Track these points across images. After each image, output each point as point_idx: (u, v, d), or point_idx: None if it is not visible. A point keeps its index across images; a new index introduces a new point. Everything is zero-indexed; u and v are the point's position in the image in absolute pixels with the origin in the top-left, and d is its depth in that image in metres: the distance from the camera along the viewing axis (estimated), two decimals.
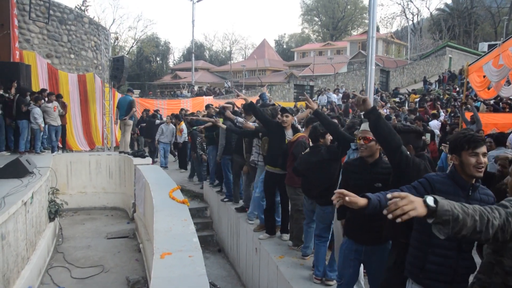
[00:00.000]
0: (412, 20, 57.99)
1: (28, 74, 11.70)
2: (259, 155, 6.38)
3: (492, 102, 13.21)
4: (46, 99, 11.13)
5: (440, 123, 11.68)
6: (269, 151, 5.89)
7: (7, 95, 10.10)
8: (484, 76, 10.48)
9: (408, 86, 32.34)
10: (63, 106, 12.00)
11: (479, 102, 13.94)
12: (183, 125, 12.87)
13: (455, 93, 19.29)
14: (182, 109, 16.44)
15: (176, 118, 13.14)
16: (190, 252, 4.15)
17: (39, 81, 12.73)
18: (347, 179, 3.61)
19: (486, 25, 50.22)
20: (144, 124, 14.46)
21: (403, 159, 3.06)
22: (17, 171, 7.41)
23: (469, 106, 9.98)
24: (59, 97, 11.70)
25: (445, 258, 2.58)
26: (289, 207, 5.84)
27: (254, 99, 23.53)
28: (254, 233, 6.35)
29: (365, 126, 3.49)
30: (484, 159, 2.51)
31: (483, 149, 2.52)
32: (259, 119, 5.85)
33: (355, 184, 3.45)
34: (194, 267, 3.80)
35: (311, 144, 4.97)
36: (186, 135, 12.60)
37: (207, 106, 10.80)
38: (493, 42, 36.10)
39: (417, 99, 19.74)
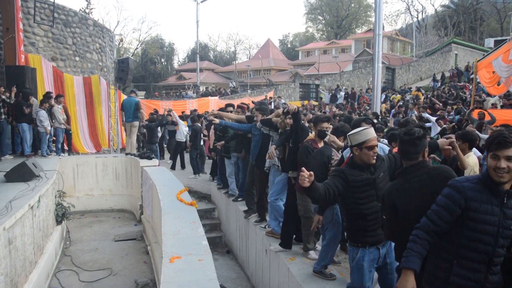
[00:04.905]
0: (417, 17, 57.71)
1: (34, 78, 11.66)
2: (278, 158, 6.08)
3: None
4: (54, 101, 11.11)
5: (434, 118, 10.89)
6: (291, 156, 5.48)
7: (8, 100, 10.04)
8: (493, 72, 10.37)
9: (414, 83, 32.12)
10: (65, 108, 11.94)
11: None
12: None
13: (465, 92, 18.98)
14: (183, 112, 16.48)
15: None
16: (200, 256, 4.08)
17: (45, 84, 12.70)
18: (347, 181, 3.33)
19: (492, 21, 49.86)
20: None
21: None
22: (23, 174, 7.38)
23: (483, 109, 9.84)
24: (59, 96, 11.60)
25: (473, 271, 2.41)
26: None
27: (260, 98, 23.50)
28: (264, 235, 6.25)
29: (369, 132, 3.34)
30: (507, 164, 2.29)
31: (508, 152, 2.29)
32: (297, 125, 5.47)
33: (360, 185, 3.32)
34: (204, 271, 3.73)
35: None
36: None
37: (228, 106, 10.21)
38: (499, 38, 35.86)
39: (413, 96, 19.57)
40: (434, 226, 2.44)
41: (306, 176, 2.86)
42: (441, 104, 13.74)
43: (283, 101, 20.10)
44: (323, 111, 18.18)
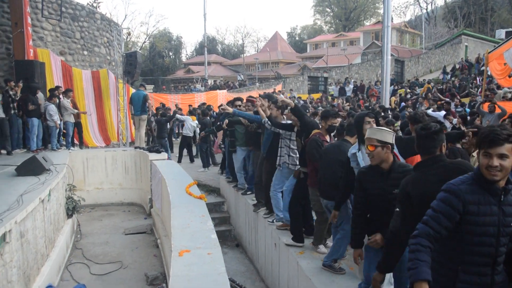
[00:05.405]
0: (426, 9, 57.10)
1: (43, 72, 11.73)
2: (289, 156, 5.94)
3: None
4: (63, 95, 11.15)
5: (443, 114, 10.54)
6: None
7: (14, 96, 9.98)
8: (505, 64, 10.23)
9: (423, 76, 31.78)
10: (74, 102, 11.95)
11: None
12: None
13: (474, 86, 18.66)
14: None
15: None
16: (209, 249, 4.09)
17: (54, 78, 12.77)
18: (363, 189, 3.42)
19: (503, 12, 49.08)
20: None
21: None
22: (34, 168, 7.44)
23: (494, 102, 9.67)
24: (68, 91, 11.62)
25: (479, 275, 2.33)
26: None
27: (268, 91, 23.42)
28: (272, 228, 6.24)
29: (369, 132, 3.38)
30: (499, 162, 2.21)
31: (501, 149, 2.20)
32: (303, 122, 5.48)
33: (372, 193, 3.35)
34: (213, 265, 3.73)
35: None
36: None
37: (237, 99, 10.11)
38: (511, 29, 35.30)
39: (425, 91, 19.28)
40: (434, 233, 2.34)
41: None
42: (447, 99, 13.53)
43: (281, 95, 19.98)
44: (332, 104, 18.10)
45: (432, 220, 2.35)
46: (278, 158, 6.11)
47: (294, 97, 21.50)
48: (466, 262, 2.34)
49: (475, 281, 2.33)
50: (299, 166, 5.77)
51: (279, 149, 6.13)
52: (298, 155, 5.84)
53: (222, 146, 10.53)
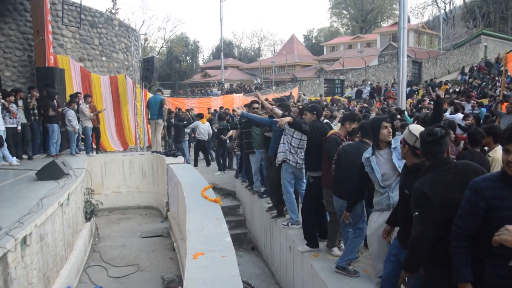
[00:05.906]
0: (444, 9, 56.31)
1: (63, 78, 11.98)
2: (290, 153, 5.97)
3: None
4: (82, 101, 11.35)
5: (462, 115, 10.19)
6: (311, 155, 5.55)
7: (28, 105, 10.01)
8: None
9: (441, 77, 31.35)
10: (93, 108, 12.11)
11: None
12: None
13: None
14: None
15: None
16: (223, 252, 4.12)
17: (73, 84, 13.00)
18: None
19: None
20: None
21: None
22: (53, 173, 7.61)
23: None
24: (87, 96, 11.79)
25: (508, 269, 2.31)
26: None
27: (284, 94, 23.41)
28: (287, 231, 6.26)
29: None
30: None
31: None
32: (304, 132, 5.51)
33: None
34: (227, 267, 3.76)
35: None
36: None
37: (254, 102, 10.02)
38: None
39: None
40: (464, 232, 2.44)
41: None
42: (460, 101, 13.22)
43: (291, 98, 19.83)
44: (349, 107, 18.01)
45: (459, 220, 2.48)
46: (278, 154, 6.12)
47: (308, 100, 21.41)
48: (493, 254, 2.37)
49: (503, 274, 2.34)
50: (302, 165, 5.85)
51: (281, 145, 6.08)
52: (300, 154, 5.89)
53: (236, 150, 10.55)
